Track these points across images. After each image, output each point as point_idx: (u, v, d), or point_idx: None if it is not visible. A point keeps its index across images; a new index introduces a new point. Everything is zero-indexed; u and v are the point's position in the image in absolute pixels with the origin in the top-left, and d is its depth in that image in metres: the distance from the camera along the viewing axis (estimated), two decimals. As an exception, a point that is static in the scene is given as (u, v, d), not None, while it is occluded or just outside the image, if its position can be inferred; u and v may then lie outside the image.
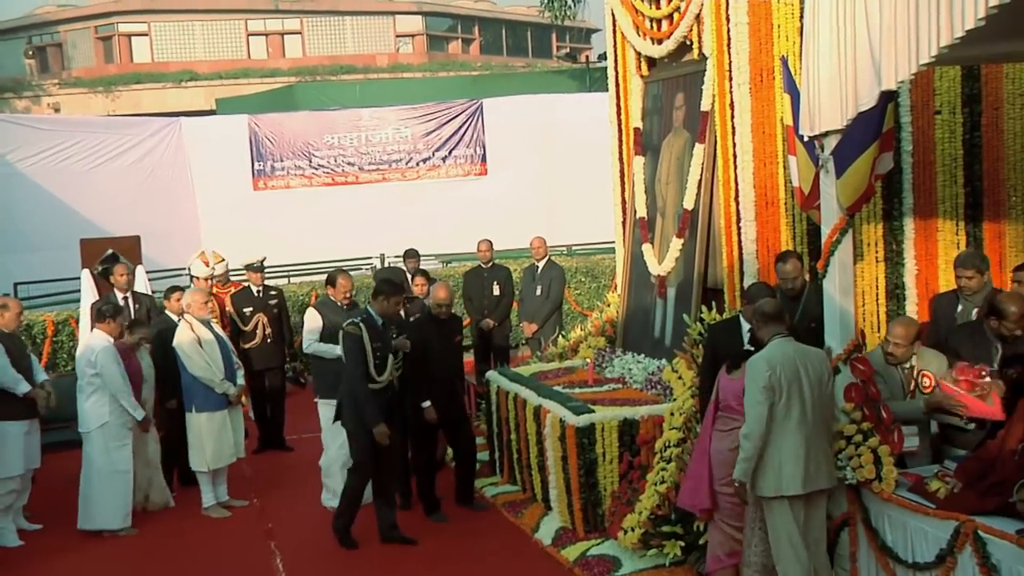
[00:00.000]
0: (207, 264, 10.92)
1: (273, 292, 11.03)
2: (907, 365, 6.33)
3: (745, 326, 6.82)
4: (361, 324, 7.54)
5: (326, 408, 8.47)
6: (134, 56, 38.85)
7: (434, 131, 20.91)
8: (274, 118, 21.10)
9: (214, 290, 10.83)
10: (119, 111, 33.55)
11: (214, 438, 8.78)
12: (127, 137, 19.44)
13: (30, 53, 39.93)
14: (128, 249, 11.89)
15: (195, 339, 8.78)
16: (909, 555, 5.66)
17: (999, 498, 5.30)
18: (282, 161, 20.57)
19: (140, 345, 8.84)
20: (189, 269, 11.34)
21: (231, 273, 11.47)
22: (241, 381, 9.12)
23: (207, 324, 8.98)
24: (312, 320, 8.92)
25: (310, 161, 20.65)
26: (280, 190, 20.51)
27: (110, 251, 11.52)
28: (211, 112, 27.17)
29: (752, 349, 6.19)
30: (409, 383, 8.02)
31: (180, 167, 19.87)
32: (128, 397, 8.39)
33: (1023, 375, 5.81)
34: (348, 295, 9.02)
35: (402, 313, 8.73)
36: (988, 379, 6.01)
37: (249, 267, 10.85)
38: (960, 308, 6.72)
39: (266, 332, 10.60)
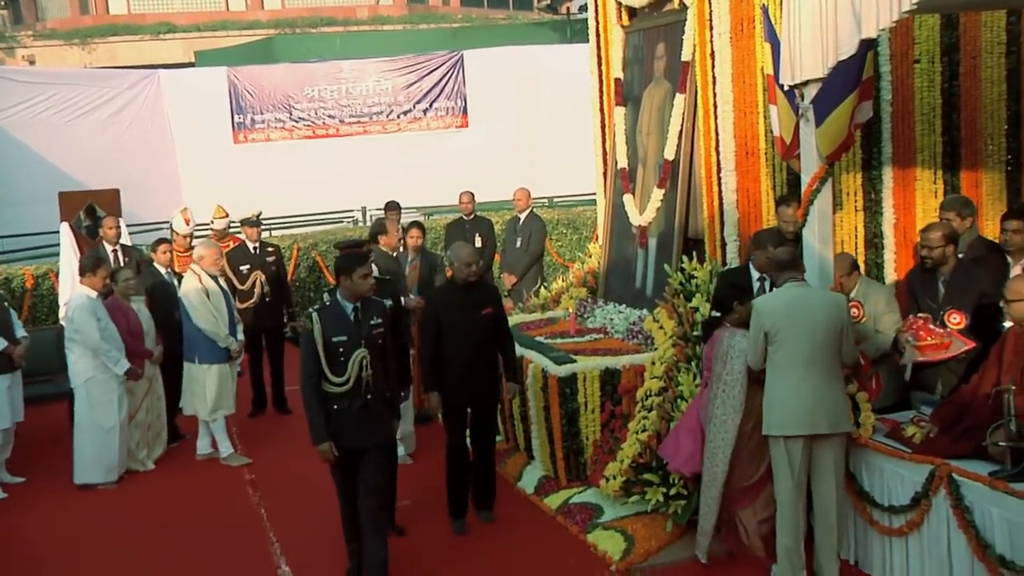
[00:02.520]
0: (188, 221, 10.83)
1: (270, 248, 10.74)
2: (851, 295, 6.43)
3: (755, 274, 6.86)
4: (315, 315, 6.04)
5: None
6: (110, 8, 38.21)
7: (415, 83, 20.76)
8: (254, 70, 20.89)
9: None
10: (96, 64, 33.05)
11: (216, 389, 8.82)
12: (104, 90, 19.22)
13: (2, 4, 39.28)
14: (108, 202, 11.85)
15: (202, 290, 8.77)
16: (885, 499, 5.75)
17: (972, 442, 5.39)
18: (262, 114, 20.40)
19: (130, 295, 8.77)
20: (170, 224, 11.24)
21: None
22: (241, 336, 9.12)
23: (214, 278, 8.95)
24: None
25: (290, 114, 20.49)
26: (261, 143, 20.36)
27: (90, 204, 11.44)
28: (190, 65, 26.82)
29: (718, 316, 6.33)
30: (432, 367, 6.97)
31: (159, 120, 19.67)
32: (108, 352, 8.31)
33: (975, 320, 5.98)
34: (400, 241, 9.02)
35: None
36: (943, 329, 6.16)
37: (245, 222, 10.62)
38: None
39: (264, 290, 10.31)
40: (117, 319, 8.55)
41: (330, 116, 20.64)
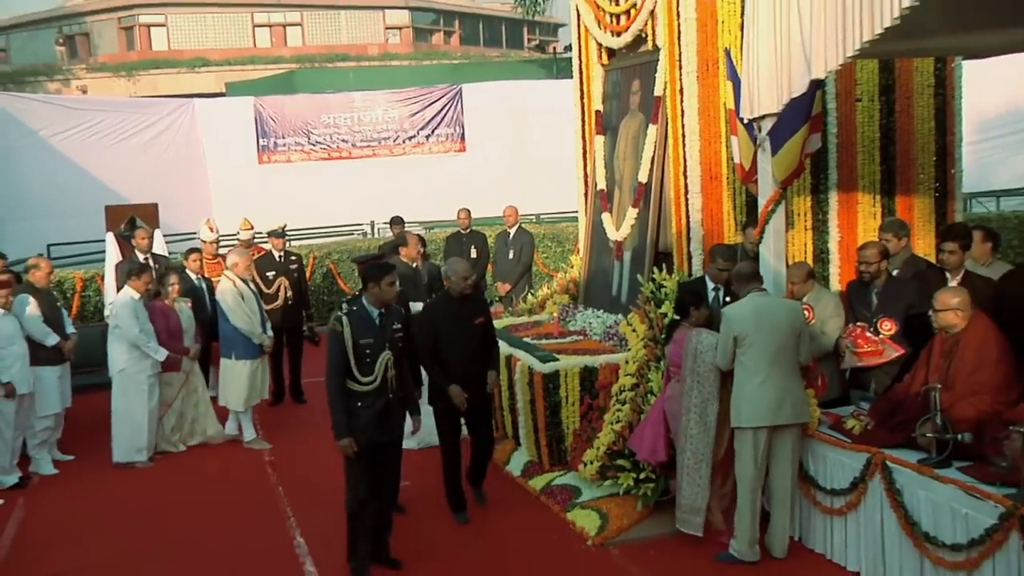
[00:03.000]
0: (212, 230, 10.81)
1: (293, 257, 10.69)
2: (805, 301, 6.45)
3: (710, 285, 6.87)
4: (344, 319, 5.79)
5: None
6: (153, 44, 38.28)
7: (419, 112, 20.78)
8: (277, 100, 20.88)
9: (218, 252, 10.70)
10: (139, 93, 33.02)
11: (248, 383, 8.80)
12: (146, 116, 19.20)
13: (60, 41, 39.27)
14: (148, 215, 11.77)
15: (238, 293, 8.75)
16: (828, 483, 5.77)
17: (904, 433, 5.42)
18: (284, 138, 20.39)
19: (174, 297, 8.76)
20: (198, 234, 11.22)
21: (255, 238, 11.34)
22: (270, 332, 9.11)
23: (245, 282, 8.93)
24: None
25: (309, 138, 20.47)
26: (282, 164, 20.34)
27: (132, 216, 11.40)
28: (221, 94, 26.80)
29: (677, 319, 6.36)
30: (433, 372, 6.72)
31: (193, 143, 19.64)
32: (146, 343, 8.32)
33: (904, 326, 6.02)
34: (420, 252, 8.98)
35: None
36: (877, 336, 6.20)
37: (272, 233, 10.63)
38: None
39: (287, 295, 10.24)
40: (157, 320, 8.55)
41: (343, 141, 20.63)
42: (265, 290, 10.24)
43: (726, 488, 6.13)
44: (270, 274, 10.37)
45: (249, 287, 8.99)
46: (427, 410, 6.72)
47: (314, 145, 20.54)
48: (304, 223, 17.69)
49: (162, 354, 8.39)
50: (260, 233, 11.31)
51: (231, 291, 8.75)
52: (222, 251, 10.81)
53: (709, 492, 6.10)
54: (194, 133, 19.70)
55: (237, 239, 11.66)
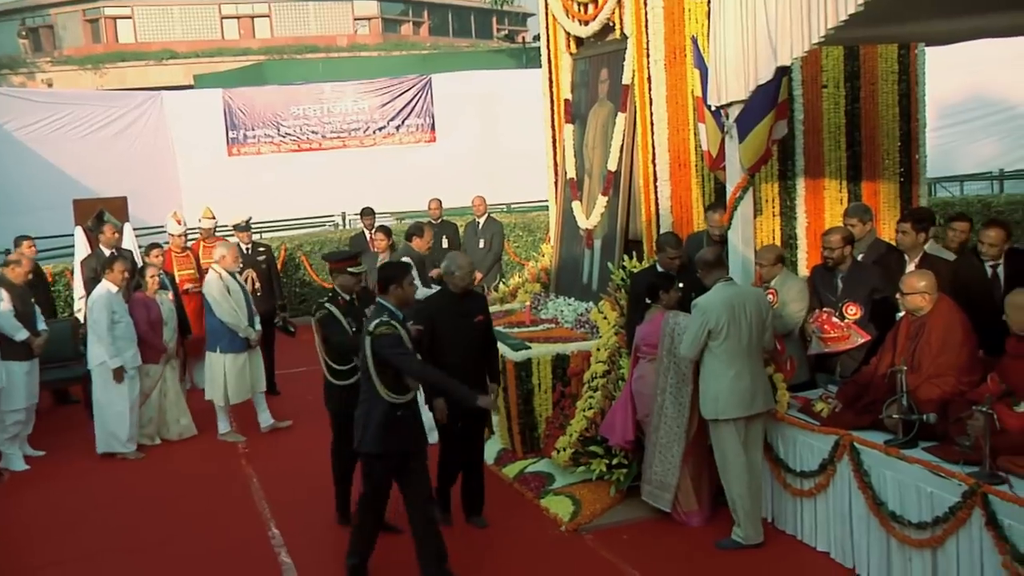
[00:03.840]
0: (180, 223, 10.72)
1: (261, 248, 10.61)
2: (771, 284, 6.50)
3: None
4: (395, 324, 5.40)
5: None
6: (119, 36, 37.77)
7: (388, 103, 20.67)
8: (246, 92, 20.70)
9: (193, 243, 10.63)
10: (106, 86, 32.61)
11: (235, 377, 8.72)
12: (113, 109, 18.96)
13: (23, 34, 38.65)
14: (116, 208, 11.67)
15: (224, 287, 8.67)
16: (797, 465, 5.82)
17: (872, 415, 5.48)
18: (253, 130, 20.21)
19: (154, 288, 8.69)
20: (166, 227, 11.12)
21: (218, 228, 11.23)
22: (259, 327, 9.01)
23: (232, 275, 8.85)
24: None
25: (278, 130, 20.31)
26: (252, 156, 20.18)
27: (100, 210, 11.27)
28: (189, 87, 26.51)
29: (649, 303, 6.35)
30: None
31: (162, 136, 19.43)
32: (109, 345, 8.20)
33: (873, 312, 6.07)
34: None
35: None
36: (843, 323, 6.24)
37: (237, 227, 10.54)
38: None
39: (255, 286, 10.13)
40: (138, 311, 8.50)
41: (313, 132, 20.49)
42: None
43: (696, 470, 6.19)
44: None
45: (236, 280, 8.91)
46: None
47: (284, 137, 20.39)
48: (274, 215, 17.57)
49: (115, 363, 8.25)
50: (226, 226, 11.22)
51: (217, 284, 8.67)
52: (217, 245, 10.67)
53: (680, 471, 6.15)
54: (162, 126, 19.48)
55: (199, 228, 11.57)
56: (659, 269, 6.94)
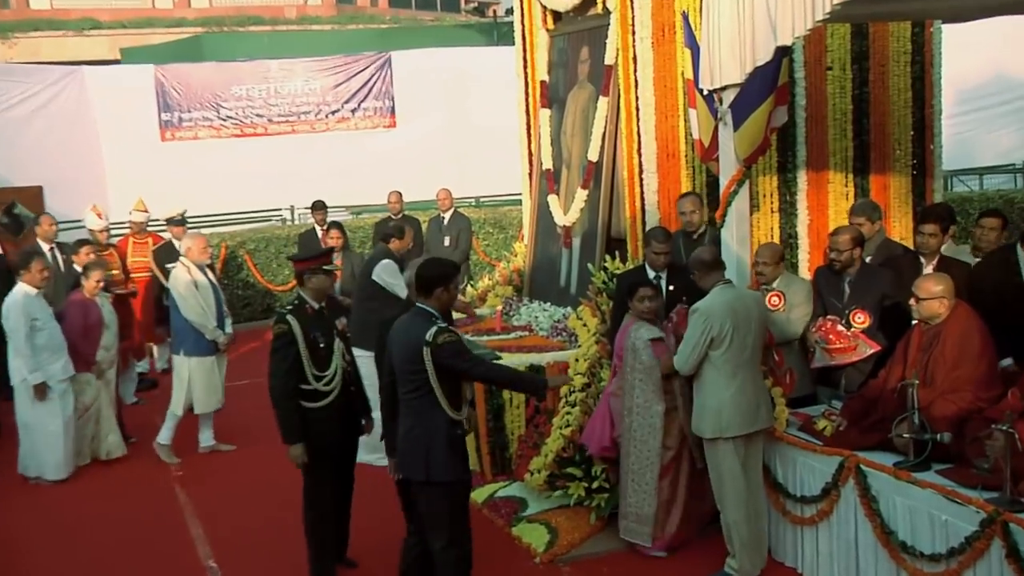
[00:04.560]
0: (100, 216, 10.66)
1: None
2: (772, 286, 6.57)
3: (651, 273, 6.95)
4: (455, 331, 5.47)
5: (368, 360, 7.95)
6: (31, 2, 37.32)
7: (343, 83, 20.59)
8: (181, 69, 20.53)
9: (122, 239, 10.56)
10: (17, 59, 32.17)
11: (203, 383, 8.68)
12: (26, 85, 18.69)
13: (-82, -4, 38.13)
14: (30, 199, 11.61)
15: (191, 282, 8.63)
16: (797, 490, 5.88)
17: (880, 434, 5.54)
18: (190, 112, 20.06)
19: (94, 289, 8.64)
20: (84, 221, 11.05)
21: (150, 223, 11.18)
22: (230, 330, 8.99)
23: (202, 269, 8.80)
24: (392, 268, 8.22)
25: (218, 112, 20.18)
26: (188, 141, 20.02)
27: (12, 201, 11.18)
28: (115, 62, 26.26)
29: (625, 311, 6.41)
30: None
31: (83, 117, 19.20)
32: (27, 357, 8.09)
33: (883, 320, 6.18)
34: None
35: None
36: (849, 332, 6.29)
37: (171, 221, 10.52)
38: None
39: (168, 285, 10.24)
40: (74, 314, 8.45)
41: (258, 115, 20.38)
42: (165, 283, 10.13)
43: (667, 495, 6.25)
44: (170, 266, 10.19)
45: (206, 275, 8.87)
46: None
47: (224, 120, 20.26)
48: (214, 208, 17.47)
49: (35, 379, 8.15)
50: (159, 220, 11.16)
51: (184, 279, 8.62)
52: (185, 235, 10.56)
53: (656, 499, 6.20)
54: (84, 106, 19.26)
55: (130, 221, 11.51)
56: (648, 269, 6.99)
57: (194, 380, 8.68)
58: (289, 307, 6.03)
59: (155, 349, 11.88)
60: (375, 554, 6.35)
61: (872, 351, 6.28)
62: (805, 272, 7.56)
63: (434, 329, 5.21)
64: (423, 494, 5.36)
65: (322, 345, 5.93)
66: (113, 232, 11.51)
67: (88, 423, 8.65)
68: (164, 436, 8.81)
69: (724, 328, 5.75)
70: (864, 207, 7.11)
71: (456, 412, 5.31)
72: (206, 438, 8.92)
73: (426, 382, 5.21)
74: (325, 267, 6.15)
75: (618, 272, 7.58)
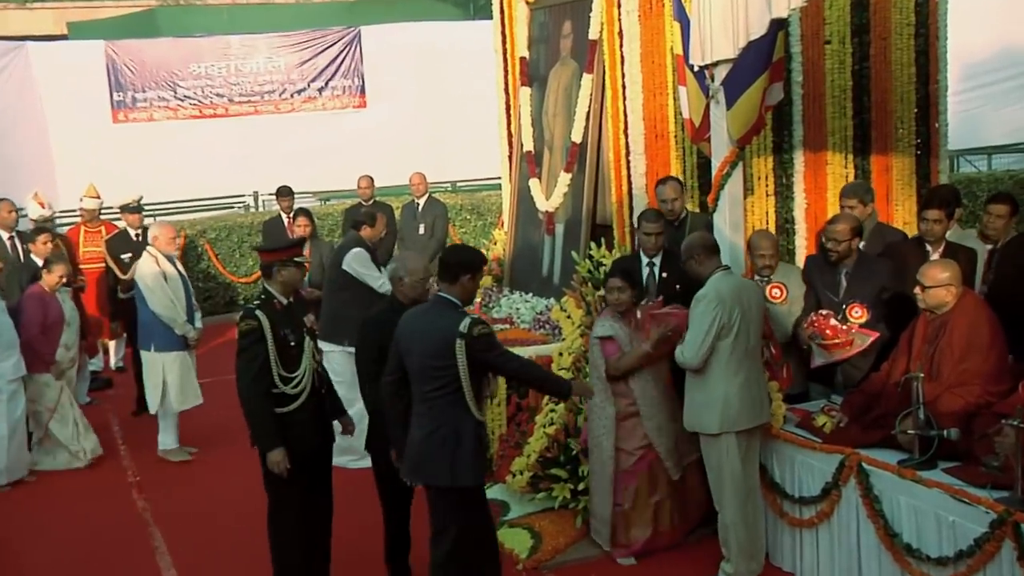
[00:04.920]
0: (43, 205, 10.60)
1: None
2: (766, 277, 6.59)
3: (644, 259, 6.95)
4: (487, 322, 5.47)
5: (340, 355, 7.96)
6: (-29, -27, 37.06)
7: (309, 60, 20.52)
8: (134, 45, 20.40)
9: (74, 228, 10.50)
10: (-44, 35, 31.97)
11: (178, 379, 8.66)
12: (-35, 63, 18.62)
13: None
14: (-33, 185, 11.48)
15: (160, 273, 8.59)
16: (796, 490, 5.91)
17: (882, 431, 5.57)
18: (144, 92, 19.95)
19: (54, 284, 8.60)
20: (25, 210, 10.99)
21: (103, 211, 11.10)
22: (200, 324, 8.96)
23: (170, 260, 8.76)
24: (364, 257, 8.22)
25: (175, 92, 20.08)
26: (143, 123, 19.91)
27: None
28: (63, 37, 26.07)
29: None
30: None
31: (28, 97, 19.06)
32: None
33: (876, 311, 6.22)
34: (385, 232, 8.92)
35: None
36: (844, 326, 6.31)
37: (125, 208, 10.46)
38: None
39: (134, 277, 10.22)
40: (32, 309, 8.41)
41: (218, 95, 20.28)
42: (120, 275, 10.27)
43: (635, 505, 6.31)
44: (125, 256, 10.32)
45: (176, 266, 8.85)
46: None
47: (182, 100, 20.16)
48: (172, 195, 17.41)
49: None
50: (112, 208, 11.10)
51: (151, 271, 8.58)
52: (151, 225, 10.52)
53: (611, 502, 6.30)
54: (29, 85, 19.11)
55: (81, 208, 11.44)
56: (643, 255, 7.01)
57: (168, 377, 8.65)
58: (257, 302, 5.86)
59: (110, 345, 11.83)
60: (354, 566, 6.34)
61: (871, 340, 6.30)
62: (803, 259, 7.58)
63: (468, 320, 5.13)
64: (443, 500, 5.28)
65: (292, 344, 5.75)
66: (63, 221, 11.44)
67: (64, 424, 8.63)
68: (164, 441, 8.82)
69: (734, 316, 5.76)
70: (856, 188, 7.12)
71: (480, 412, 5.28)
72: (166, 440, 8.88)
73: (455, 378, 5.12)
74: (295, 259, 5.98)
75: (603, 260, 7.59)
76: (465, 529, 5.34)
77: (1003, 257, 6.54)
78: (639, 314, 6.37)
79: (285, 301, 5.86)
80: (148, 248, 8.77)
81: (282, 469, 5.61)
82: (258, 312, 5.69)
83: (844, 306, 6.38)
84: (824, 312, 6.39)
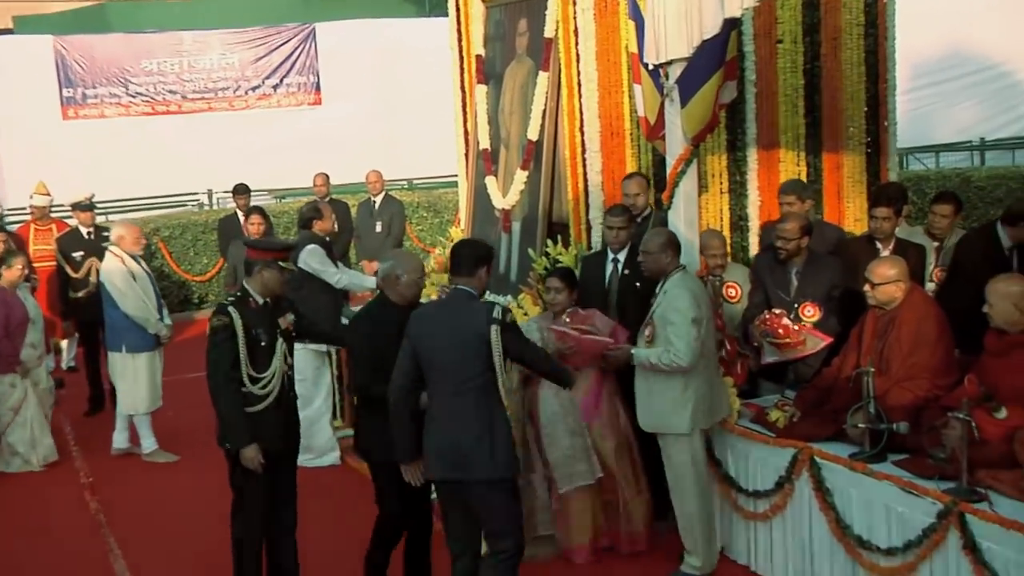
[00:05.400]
0: None
1: (107, 234, 10.23)
2: (719, 276, 6.67)
3: (609, 255, 6.98)
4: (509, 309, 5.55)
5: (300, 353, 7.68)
6: (-85, -33, 36.41)
7: (264, 57, 20.41)
8: (84, 40, 20.18)
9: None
10: (-102, 29, 31.40)
11: (149, 380, 8.60)
12: (-95, 57, 18.34)
13: None
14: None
15: (128, 273, 8.50)
16: (750, 483, 5.99)
17: (834, 425, 5.66)
18: (95, 88, 19.74)
19: (14, 280, 8.53)
20: None
21: (54, 208, 11.00)
22: (169, 321, 8.90)
23: (136, 259, 8.69)
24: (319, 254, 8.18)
25: (127, 88, 19.89)
26: (94, 119, 19.71)
27: None
28: (8, 31, 25.72)
29: None
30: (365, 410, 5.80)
31: (-27, 93, 18.85)
32: None
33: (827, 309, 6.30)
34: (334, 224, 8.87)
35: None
36: (797, 327, 6.40)
37: (77, 207, 10.38)
38: None
39: (99, 279, 10.13)
40: None
41: (171, 91, 20.12)
42: (72, 274, 10.20)
43: (569, 511, 6.41)
44: (77, 255, 10.27)
45: (141, 265, 8.79)
46: None
47: (134, 97, 19.97)
48: (124, 192, 17.25)
49: None
50: (62, 205, 11.01)
51: (119, 271, 8.50)
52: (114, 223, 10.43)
53: (545, 500, 6.42)
54: (-26, 81, 18.89)
55: (31, 206, 11.33)
56: (610, 252, 7.04)
57: (139, 378, 8.60)
58: (231, 299, 5.79)
59: (62, 345, 11.72)
60: (319, 569, 6.35)
61: (823, 344, 6.39)
62: (757, 257, 7.67)
63: (498, 307, 5.13)
64: (486, 495, 5.15)
65: (263, 343, 5.68)
66: (12, 219, 11.32)
67: (22, 428, 8.57)
68: (147, 445, 8.76)
69: (703, 312, 5.84)
70: (794, 185, 7.23)
71: (504, 401, 5.26)
72: (121, 440, 8.83)
73: (489, 368, 5.06)
74: (281, 263, 5.84)
75: (560, 257, 7.64)
76: (520, 516, 5.34)
77: (958, 254, 6.68)
78: (567, 319, 6.44)
79: (261, 301, 5.77)
80: (111, 248, 8.69)
81: (256, 464, 5.56)
82: (230, 309, 5.64)
83: (796, 305, 6.46)
84: (777, 311, 6.45)
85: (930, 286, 6.91)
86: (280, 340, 5.79)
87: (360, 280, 8.57)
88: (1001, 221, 6.79)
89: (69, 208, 10.55)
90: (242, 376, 5.61)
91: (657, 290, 6.00)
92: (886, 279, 5.75)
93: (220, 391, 5.61)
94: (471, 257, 5.30)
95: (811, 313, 6.41)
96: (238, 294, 5.79)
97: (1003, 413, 5.04)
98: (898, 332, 5.72)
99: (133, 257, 8.67)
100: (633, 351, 5.96)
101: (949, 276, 6.77)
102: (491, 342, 5.02)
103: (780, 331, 6.37)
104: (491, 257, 5.41)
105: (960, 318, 5.75)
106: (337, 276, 8.07)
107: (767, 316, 6.46)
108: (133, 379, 8.60)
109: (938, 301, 6.07)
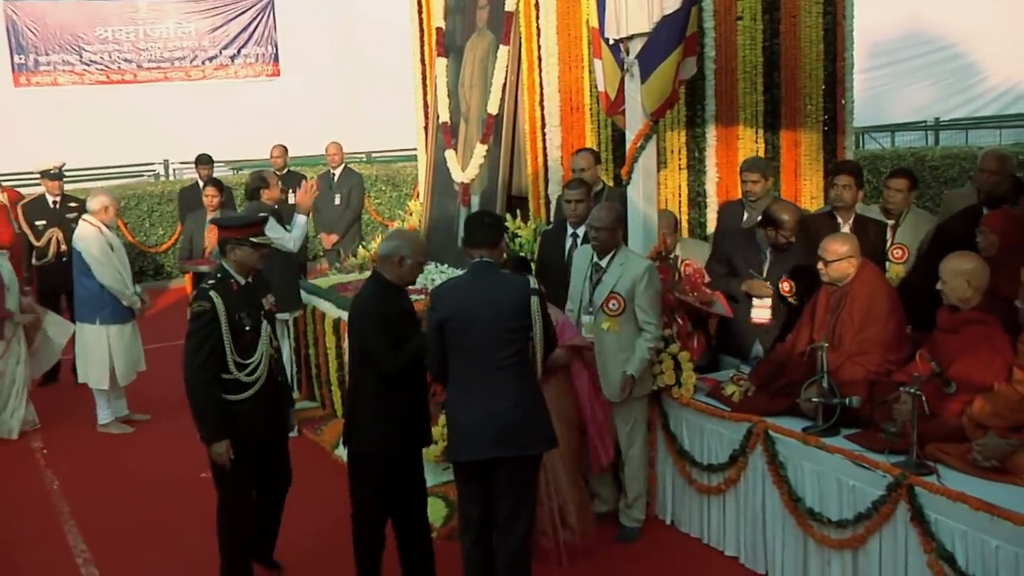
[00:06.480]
0: None
1: (74, 204, 10.28)
2: (673, 254, 6.72)
3: (569, 231, 6.99)
4: None
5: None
6: None
7: (221, 27, 20.24)
8: (36, 5, 19.89)
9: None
10: None
11: (124, 352, 8.52)
12: None
13: None
14: None
15: (106, 243, 8.39)
16: (704, 457, 6.06)
17: (788, 399, 5.74)
18: (47, 55, 19.49)
19: None
20: None
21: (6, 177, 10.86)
22: (139, 289, 8.75)
23: (112, 229, 8.59)
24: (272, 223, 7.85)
25: (80, 56, 19.65)
26: (47, 87, 19.47)
27: None
28: (-40, -2, 25.32)
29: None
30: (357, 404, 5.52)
31: (-76, 60, 18.56)
32: None
33: (797, 287, 6.34)
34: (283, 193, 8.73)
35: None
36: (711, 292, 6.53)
37: (46, 175, 10.23)
38: (746, 216, 7.14)
39: (60, 249, 9.96)
40: None
41: (126, 60, 19.90)
42: (35, 242, 10.11)
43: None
44: (40, 223, 10.18)
45: (117, 237, 8.70)
46: None
47: (88, 65, 19.74)
48: (78, 162, 16.99)
49: None
50: (21, 174, 10.88)
51: (96, 239, 8.37)
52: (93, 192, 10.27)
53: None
54: (-75, 47, 18.58)
55: None
56: (569, 226, 7.05)
57: (114, 350, 8.51)
58: (211, 281, 5.43)
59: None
60: (300, 550, 6.33)
61: (724, 312, 6.53)
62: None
63: (531, 277, 5.07)
64: (525, 468, 5.01)
65: (247, 328, 5.41)
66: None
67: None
68: (102, 416, 8.71)
69: None
70: (758, 163, 7.28)
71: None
72: (106, 415, 8.76)
73: (527, 339, 4.92)
74: (252, 239, 5.52)
75: (518, 231, 7.66)
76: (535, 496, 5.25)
77: (942, 232, 6.69)
78: None
79: (242, 281, 5.50)
80: (86, 217, 8.55)
81: (225, 461, 5.37)
82: (212, 293, 5.34)
83: (775, 283, 6.54)
84: (700, 269, 6.62)
85: (894, 265, 6.97)
86: (264, 322, 5.56)
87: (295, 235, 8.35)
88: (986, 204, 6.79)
89: (38, 175, 10.41)
90: (227, 363, 5.35)
91: (604, 264, 6.08)
92: (838, 256, 5.83)
93: (194, 382, 5.35)
94: (496, 227, 5.15)
95: (788, 288, 6.49)
96: (219, 276, 5.47)
97: (953, 388, 5.12)
98: (850, 307, 5.80)
99: (109, 227, 8.58)
100: (632, 371, 6.04)
101: (929, 255, 6.75)
102: (532, 312, 4.91)
103: (692, 282, 6.50)
104: (505, 228, 5.36)
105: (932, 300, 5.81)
106: (291, 240, 8.06)
107: (692, 271, 6.59)
108: (103, 351, 8.49)
109: (914, 279, 6.15)
